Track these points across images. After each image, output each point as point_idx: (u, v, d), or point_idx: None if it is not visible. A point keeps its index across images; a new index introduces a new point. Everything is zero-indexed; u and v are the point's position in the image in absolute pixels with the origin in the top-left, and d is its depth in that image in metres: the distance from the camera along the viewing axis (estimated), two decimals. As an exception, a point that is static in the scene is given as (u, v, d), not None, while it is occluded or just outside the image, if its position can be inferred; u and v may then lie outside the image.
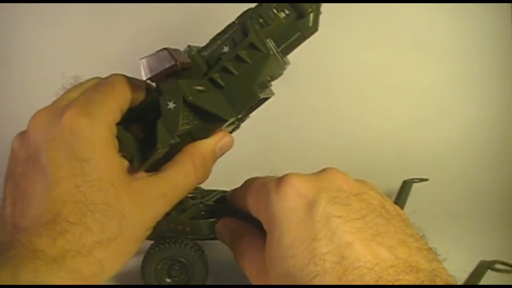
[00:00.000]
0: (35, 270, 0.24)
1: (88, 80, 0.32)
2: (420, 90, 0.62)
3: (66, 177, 0.27)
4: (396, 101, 0.62)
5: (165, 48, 0.29)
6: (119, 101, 0.30)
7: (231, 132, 0.38)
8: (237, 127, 0.38)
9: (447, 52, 0.61)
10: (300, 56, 0.61)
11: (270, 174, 0.31)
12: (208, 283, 0.34)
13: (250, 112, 0.36)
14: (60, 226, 0.26)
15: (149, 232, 0.30)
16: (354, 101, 0.62)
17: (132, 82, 0.32)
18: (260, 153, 0.59)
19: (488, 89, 0.62)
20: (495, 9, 0.60)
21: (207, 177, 0.33)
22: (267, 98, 0.35)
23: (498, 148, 0.59)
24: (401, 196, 0.46)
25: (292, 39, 0.31)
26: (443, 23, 0.61)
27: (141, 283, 0.34)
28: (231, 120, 0.31)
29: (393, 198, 0.45)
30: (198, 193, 0.40)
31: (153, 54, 0.29)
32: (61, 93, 0.31)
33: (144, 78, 0.30)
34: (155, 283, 0.33)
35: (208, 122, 0.31)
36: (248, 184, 0.32)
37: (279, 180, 0.27)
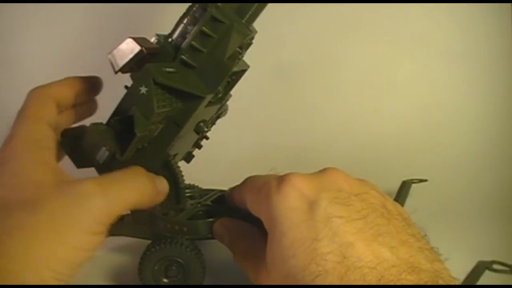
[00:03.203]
0: None
1: None
2: (420, 90, 0.62)
3: None
4: (396, 101, 0.62)
5: (129, 37, 0.29)
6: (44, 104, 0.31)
7: (218, 116, 0.37)
8: (224, 111, 0.37)
9: (447, 52, 0.61)
10: (300, 56, 0.61)
11: (270, 173, 0.31)
12: (206, 283, 0.34)
13: (230, 89, 0.35)
14: None
15: (96, 236, 0.27)
16: (354, 101, 0.62)
17: (54, 84, 0.32)
18: (260, 153, 0.59)
19: (488, 89, 0.62)
20: (495, 9, 0.60)
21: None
22: (243, 71, 0.35)
23: (498, 148, 0.59)
24: (400, 196, 0.45)
25: (253, 8, 0.30)
26: (443, 23, 0.61)
27: (139, 283, 0.33)
28: (208, 97, 0.31)
29: (392, 199, 0.44)
30: (196, 193, 0.40)
31: (118, 46, 0.29)
32: None
33: (115, 71, 0.30)
34: (152, 283, 0.33)
35: (186, 102, 0.31)
36: (248, 182, 0.32)
37: (280, 180, 0.27)
